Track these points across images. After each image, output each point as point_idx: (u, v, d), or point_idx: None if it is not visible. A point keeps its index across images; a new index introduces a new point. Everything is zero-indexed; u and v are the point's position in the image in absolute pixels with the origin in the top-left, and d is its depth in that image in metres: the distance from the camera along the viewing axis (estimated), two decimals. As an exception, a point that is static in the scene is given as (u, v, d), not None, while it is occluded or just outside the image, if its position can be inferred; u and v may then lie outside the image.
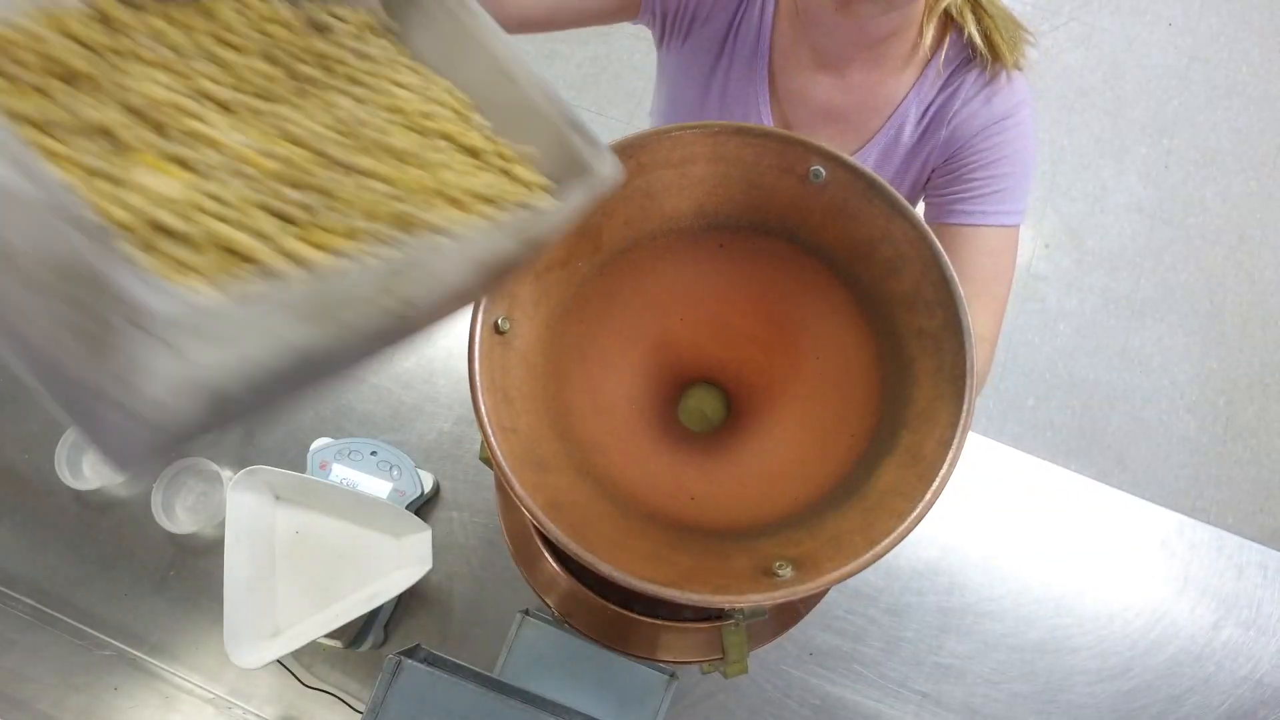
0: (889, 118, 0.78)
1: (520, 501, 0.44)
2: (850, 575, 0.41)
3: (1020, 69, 0.75)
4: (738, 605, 0.41)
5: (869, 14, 0.65)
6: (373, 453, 0.93)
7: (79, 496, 0.97)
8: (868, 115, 0.79)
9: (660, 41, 0.86)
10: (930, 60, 0.75)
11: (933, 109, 0.77)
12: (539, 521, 0.43)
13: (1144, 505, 0.96)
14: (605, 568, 0.41)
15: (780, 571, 0.42)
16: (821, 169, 0.53)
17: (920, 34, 0.74)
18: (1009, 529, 0.96)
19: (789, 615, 0.67)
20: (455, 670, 0.59)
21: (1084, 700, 0.90)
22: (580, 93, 2.14)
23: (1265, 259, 1.98)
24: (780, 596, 0.40)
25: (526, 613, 0.82)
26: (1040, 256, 1.98)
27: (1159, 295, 1.94)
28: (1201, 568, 0.94)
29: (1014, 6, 0.74)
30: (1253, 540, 0.95)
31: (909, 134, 0.79)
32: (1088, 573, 0.94)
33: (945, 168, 0.80)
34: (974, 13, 0.72)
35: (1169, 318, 1.92)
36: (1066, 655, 0.91)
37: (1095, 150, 2.08)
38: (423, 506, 0.96)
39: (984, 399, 1.85)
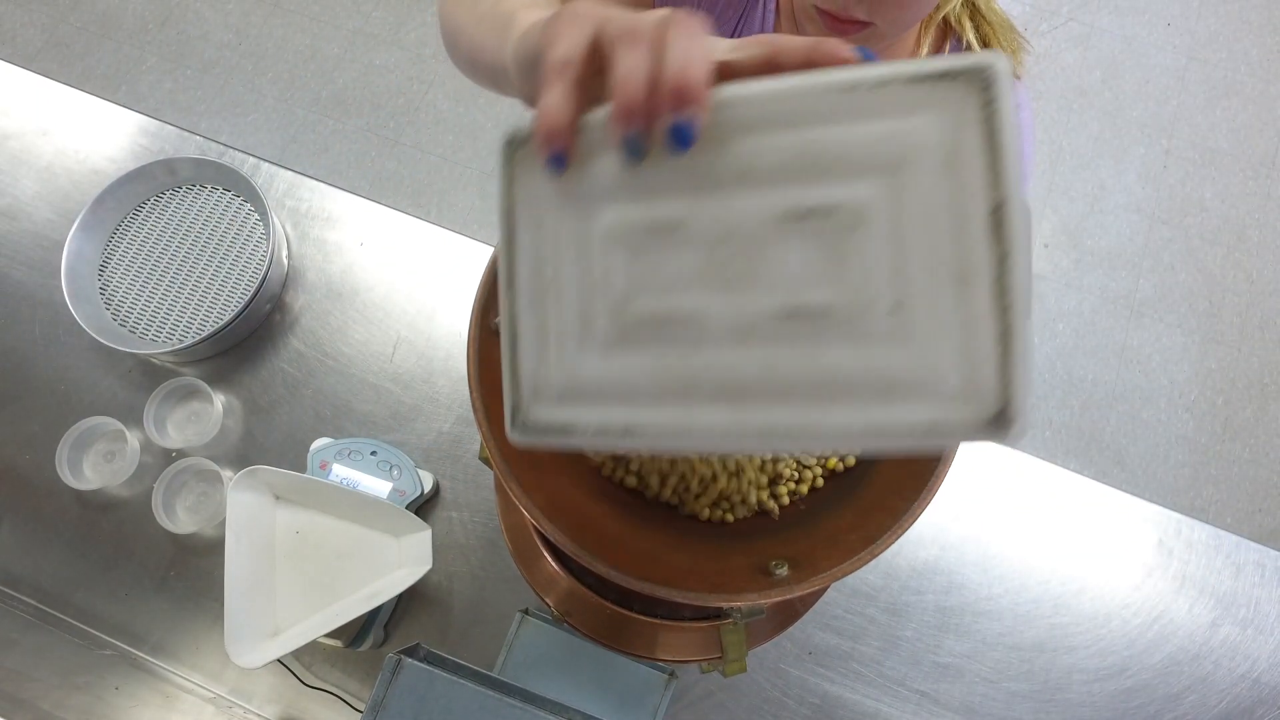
0: None
1: (519, 502, 0.44)
2: (846, 574, 0.42)
3: (1019, 77, 0.75)
4: (734, 604, 0.41)
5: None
6: (373, 453, 0.93)
7: (79, 496, 0.98)
8: None
9: None
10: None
11: None
12: (538, 522, 0.43)
13: (1142, 504, 0.97)
14: (603, 568, 0.42)
15: (777, 570, 0.42)
16: None
17: (918, 43, 0.74)
18: (1007, 528, 0.96)
19: (787, 614, 0.68)
20: (455, 669, 0.59)
21: (1082, 699, 0.90)
22: (580, 93, 2.14)
23: (1264, 259, 1.98)
24: (776, 595, 0.41)
25: (526, 612, 0.82)
26: (1039, 256, 1.98)
27: (1157, 295, 1.94)
28: (1199, 567, 0.94)
29: (1013, 7, 0.75)
30: (1251, 539, 0.95)
31: None
32: (1086, 572, 0.94)
33: None
34: (972, 19, 0.72)
35: (1167, 317, 1.92)
36: (1064, 654, 0.91)
37: (1094, 150, 2.08)
38: (422, 506, 0.96)
39: (983, 398, 1.85)
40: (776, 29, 0.77)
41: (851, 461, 0.53)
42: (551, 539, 0.43)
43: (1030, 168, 0.79)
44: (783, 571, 0.42)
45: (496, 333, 0.50)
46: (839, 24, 0.62)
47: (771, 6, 0.77)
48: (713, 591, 0.41)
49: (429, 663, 0.57)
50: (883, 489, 0.46)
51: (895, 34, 0.65)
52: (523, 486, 0.44)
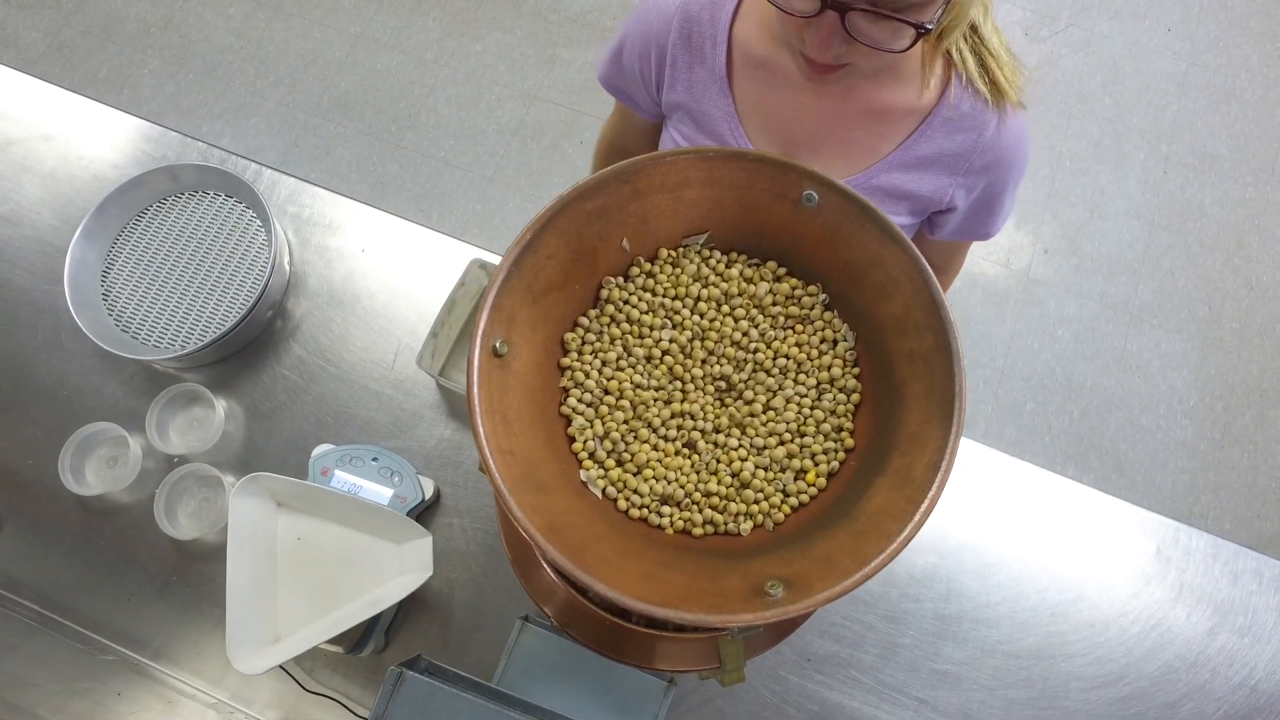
0: (889, 152, 0.78)
1: (519, 524, 0.44)
2: (840, 595, 0.42)
3: (1023, 106, 0.75)
4: (731, 625, 0.42)
5: (838, 78, 0.67)
6: (374, 459, 0.93)
7: (82, 502, 0.98)
8: (872, 140, 0.79)
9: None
10: (938, 103, 0.75)
11: (935, 152, 0.77)
12: (537, 544, 0.43)
13: (1140, 513, 0.97)
14: (601, 588, 0.42)
15: (772, 591, 0.43)
16: (814, 193, 0.53)
17: (924, 70, 0.73)
18: (1006, 536, 0.96)
19: (786, 624, 0.68)
20: (456, 681, 0.59)
21: (1079, 706, 0.90)
22: (579, 96, 2.15)
23: (1263, 264, 1.98)
24: (772, 616, 0.41)
25: (526, 619, 0.82)
26: (1039, 262, 1.98)
27: (1157, 301, 1.95)
28: (1197, 575, 0.95)
29: (1014, 12, 0.74)
30: (1249, 547, 0.96)
31: (905, 172, 0.79)
32: (1084, 579, 0.94)
33: (944, 203, 0.81)
34: (975, 53, 0.72)
35: (1167, 323, 1.93)
36: (1062, 662, 0.92)
37: (1094, 156, 2.08)
38: (423, 513, 0.96)
39: (983, 403, 1.86)
40: (729, 71, 0.78)
41: (823, 483, 0.57)
42: (551, 561, 0.43)
43: (1018, 185, 0.82)
44: (778, 593, 0.42)
45: (497, 354, 0.51)
46: (820, 67, 0.65)
47: (723, 51, 0.77)
48: (710, 612, 0.41)
49: (430, 674, 0.58)
50: (877, 511, 0.46)
51: (874, 70, 0.69)
52: (522, 508, 0.44)
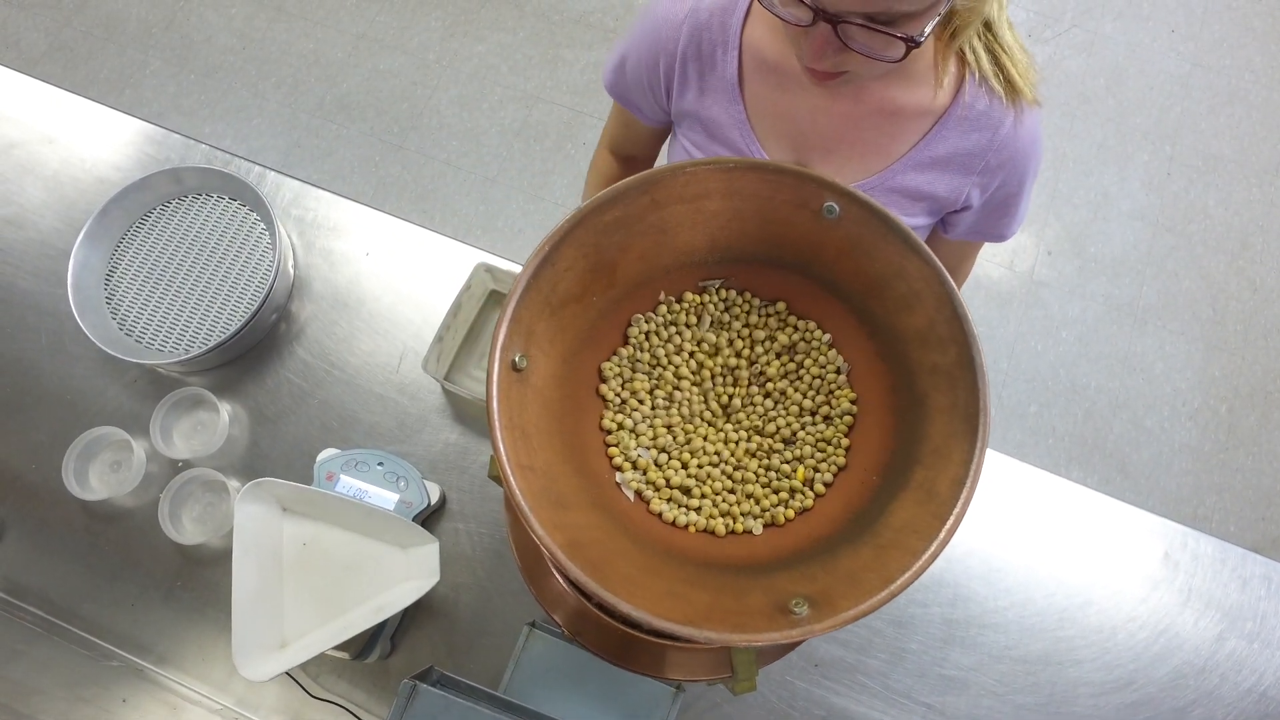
0: (904, 153, 0.77)
1: (540, 542, 0.44)
2: (866, 614, 0.42)
3: (1039, 104, 0.75)
4: (756, 644, 0.41)
5: (844, 80, 0.67)
6: (379, 464, 0.93)
7: (86, 507, 0.98)
8: (886, 142, 0.78)
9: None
10: (953, 102, 0.74)
11: (950, 152, 0.76)
12: (559, 561, 0.43)
13: (1148, 517, 0.97)
14: (626, 607, 0.41)
15: (797, 610, 0.42)
16: (835, 205, 0.53)
17: (937, 70, 0.72)
18: (1013, 541, 0.96)
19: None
20: (469, 692, 0.59)
21: (1088, 713, 0.90)
22: (583, 98, 2.14)
23: (1267, 266, 1.98)
24: (798, 635, 0.40)
25: (533, 625, 0.82)
26: (1043, 263, 1.98)
27: (1161, 302, 1.94)
28: (1205, 580, 0.94)
29: (1017, 14, 0.74)
30: (1254, 549, 0.96)
31: (921, 173, 0.78)
32: (1091, 585, 0.94)
33: (960, 202, 0.81)
34: (989, 50, 0.71)
35: (1171, 325, 1.92)
36: (1070, 667, 0.91)
37: (1098, 157, 2.08)
38: (429, 518, 0.96)
39: (986, 405, 1.85)
40: (740, 77, 0.77)
41: (820, 489, 0.58)
42: (573, 579, 0.42)
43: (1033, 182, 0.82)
44: (803, 611, 0.42)
45: (516, 368, 0.51)
46: (820, 74, 0.66)
47: (734, 57, 0.76)
48: (734, 631, 0.40)
49: (442, 686, 0.57)
50: (901, 527, 0.46)
51: (872, 76, 0.70)
52: (543, 525, 0.44)
